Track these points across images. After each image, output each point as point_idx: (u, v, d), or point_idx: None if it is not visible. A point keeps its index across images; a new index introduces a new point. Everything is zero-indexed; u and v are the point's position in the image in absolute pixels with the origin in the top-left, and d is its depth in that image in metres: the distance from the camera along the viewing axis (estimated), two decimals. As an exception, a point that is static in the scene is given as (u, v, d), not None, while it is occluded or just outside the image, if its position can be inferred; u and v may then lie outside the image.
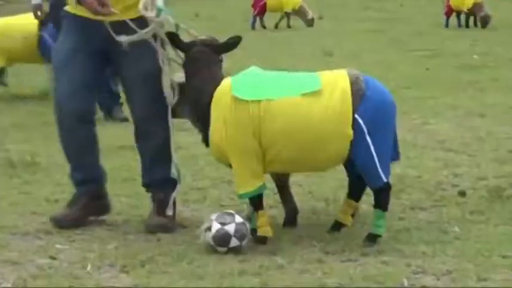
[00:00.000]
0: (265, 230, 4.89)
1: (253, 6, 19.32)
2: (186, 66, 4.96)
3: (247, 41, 16.59)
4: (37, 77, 11.06)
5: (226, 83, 4.87)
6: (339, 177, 5.78)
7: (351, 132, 4.72)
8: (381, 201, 4.92)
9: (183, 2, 22.29)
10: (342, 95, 4.74)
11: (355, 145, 4.75)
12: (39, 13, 9.02)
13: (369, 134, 4.74)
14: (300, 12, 19.20)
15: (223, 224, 4.70)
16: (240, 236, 4.66)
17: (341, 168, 5.24)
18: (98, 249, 4.84)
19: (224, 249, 4.68)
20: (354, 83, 4.76)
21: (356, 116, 4.72)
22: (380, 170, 4.78)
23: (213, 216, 4.79)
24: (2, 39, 9.80)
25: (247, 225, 4.72)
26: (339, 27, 19.01)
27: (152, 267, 4.54)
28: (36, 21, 9.56)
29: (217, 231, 4.67)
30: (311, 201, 5.74)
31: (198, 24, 18.57)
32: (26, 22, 9.83)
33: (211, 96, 4.79)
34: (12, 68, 10.91)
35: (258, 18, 19.46)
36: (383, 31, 18.23)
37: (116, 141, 7.35)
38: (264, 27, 19.56)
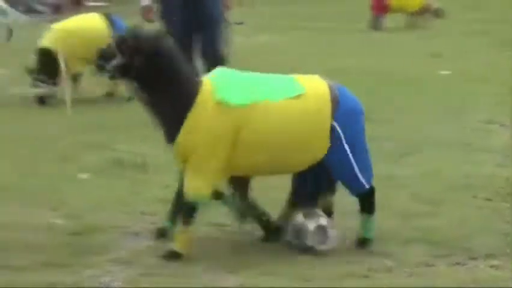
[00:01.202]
0: (183, 246, 4.69)
1: (374, 7, 18.85)
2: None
3: (364, 41, 16.75)
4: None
5: (207, 85, 4.74)
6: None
7: (328, 139, 4.71)
8: (367, 205, 4.91)
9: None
10: (322, 100, 4.74)
11: (332, 152, 4.74)
12: (150, 14, 8.94)
13: (345, 140, 4.74)
14: (424, 9, 18.80)
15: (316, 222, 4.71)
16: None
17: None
18: (208, 250, 4.89)
19: (325, 246, 4.69)
20: (331, 89, 4.76)
21: (333, 122, 4.72)
22: (360, 175, 4.79)
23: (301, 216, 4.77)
24: (79, 43, 9.45)
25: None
26: (447, 28, 18.75)
27: (260, 269, 4.56)
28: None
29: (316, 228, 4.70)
30: (416, 204, 5.63)
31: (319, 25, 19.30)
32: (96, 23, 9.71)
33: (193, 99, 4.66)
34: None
35: (378, 18, 18.98)
36: (491, 32, 17.87)
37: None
38: (382, 28, 18.92)
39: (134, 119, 8.80)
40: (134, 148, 7.37)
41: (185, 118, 4.58)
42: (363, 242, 4.86)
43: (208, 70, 6.11)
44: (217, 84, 4.71)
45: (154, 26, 9.74)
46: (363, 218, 4.91)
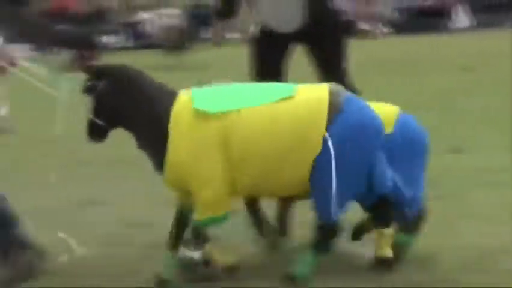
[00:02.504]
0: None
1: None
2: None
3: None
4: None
5: (184, 97, 4.53)
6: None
7: (320, 146, 4.27)
8: (317, 239, 4.46)
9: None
10: (317, 104, 4.33)
11: (316, 167, 4.31)
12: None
13: (336, 159, 4.29)
14: None
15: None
16: None
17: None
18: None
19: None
20: (332, 94, 4.32)
21: (326, 135, 4.29)
22: (331, 204, 4.34)
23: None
24: None
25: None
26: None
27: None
28: None
29: None
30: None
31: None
32: None
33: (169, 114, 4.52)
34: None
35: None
36: None
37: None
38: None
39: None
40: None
41: (166, 133, 4.36)
42: (288, 277, 4.41)
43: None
44: (194, 95, 4.48)
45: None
46: (309, 251, 4.48)
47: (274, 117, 4.37)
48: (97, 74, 4.72)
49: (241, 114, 4.39)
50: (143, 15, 20.40)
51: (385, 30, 22.76)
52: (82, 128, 5.25)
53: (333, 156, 4.22)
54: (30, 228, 5.04)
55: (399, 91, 11.23)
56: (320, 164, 4.28)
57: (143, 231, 5.55)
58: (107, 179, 7.22)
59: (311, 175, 4.33)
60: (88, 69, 4.72)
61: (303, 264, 4.45)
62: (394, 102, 5.31)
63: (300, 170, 4.39)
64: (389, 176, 4.49)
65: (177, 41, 17.23)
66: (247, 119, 4.41)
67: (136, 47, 20.55)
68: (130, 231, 5.62)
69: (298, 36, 6.32)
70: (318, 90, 4.42)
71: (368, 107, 4.45)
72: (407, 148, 4.54)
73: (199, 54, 17.10)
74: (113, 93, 4.45)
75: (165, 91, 4.58)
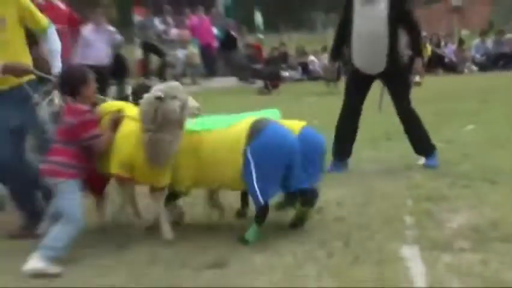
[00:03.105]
0: None
1: None
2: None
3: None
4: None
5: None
6: None
7: (240, 159, 5.04)
8: (256, 215, 5.18)
9: None
10: (243, 129, 5.11)
11: (243, 169, 5.05)
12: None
13: (254, 163, 5.01)
14: None
15: None
16: None
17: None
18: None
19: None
20: (255, 122, 5.15)
21: (246, 147, 5.03)
22: (257, 193, 5.04)
23: None
24: None
25: None
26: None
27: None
28: None
29: None
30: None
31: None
32: None
33: None
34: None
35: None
36: None
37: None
38: None
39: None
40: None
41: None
42: (241, 240, 5.15)
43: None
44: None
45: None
46: (252, 225, 5.21)
47: (222, 137, 5.19)
48: None
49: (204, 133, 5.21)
50: (311, 57, 23.26)
51: (474, 68, 24.20)
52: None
53: (251, 161, 4.99)
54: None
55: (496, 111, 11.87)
56: (245, 167, 5.04)
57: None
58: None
59: (242, 174, 5.08)
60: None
61: (251, 233, 5.19)
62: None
63: (234, 170, 5.12)
64: (303, 176, 5.19)
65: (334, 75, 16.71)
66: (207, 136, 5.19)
67: (306, 79, 22.75)
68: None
69: (378, 75, 7.41)
70: (248, 120, 5.18)
71: (283, 129, 5.13)
72: (307, 151, 5.20)
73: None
74: None
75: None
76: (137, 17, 23.26)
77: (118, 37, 12.81)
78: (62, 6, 8.22)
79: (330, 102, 11.82)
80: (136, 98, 5.51)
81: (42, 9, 7.09)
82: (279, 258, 4.76)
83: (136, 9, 23.58)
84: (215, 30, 24.70)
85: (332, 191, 6.42)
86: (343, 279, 4.30)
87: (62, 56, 5.80)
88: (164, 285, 4.34)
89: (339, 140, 7.55)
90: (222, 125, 5.22)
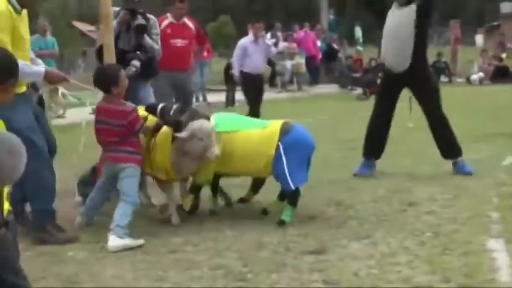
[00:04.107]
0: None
1: None
2: None
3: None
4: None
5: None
6: None
7: (273, 152, 5.27)
8: (290, 200, 5.41)
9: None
10: (275, 129, 5.40)
11: (275, 159, 5.27)
12: None
13: (285, 154, 5.25)
14: None
15: None
16: None
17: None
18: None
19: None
20: (284, 124, 5.41)
21: (279, 143, 5.27)
22: (288, 179, 5.26)
23: None
24: None
25: None
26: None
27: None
28: None
29: None
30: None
31: None
32: None
33: None
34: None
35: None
36: None
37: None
38: None
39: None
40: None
41: None
42: (281, 223, 5.31)
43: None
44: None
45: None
46: (286, 207, 5.41)
47: (258, 135, 5.41)
48: None
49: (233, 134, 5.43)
50: None
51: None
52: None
53: (283, 153, 5.26)
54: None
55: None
56: (276, 158, 5.28)
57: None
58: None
59: (274, 164, 5.30)
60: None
61: (288, 215, 5.36)
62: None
63: (266, 161, 5.34)
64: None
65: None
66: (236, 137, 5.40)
67: None
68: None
69: (405, 80, 7.03)
70: (278, 123, 5.45)
71: (305, 130, 5.43)
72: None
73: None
74: None
75: None
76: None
77: (273, 50, 12.97)
78: (191, 24, 8.37)
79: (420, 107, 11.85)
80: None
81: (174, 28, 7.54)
82: (374, 246, 4.73)
83: (250, 25, 23.97)
84: (319, 43, 24.72)
85: (424, 188, 6.40)
86: (433, 268, 4.21)
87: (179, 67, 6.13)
88: (271, 267, 4.33)
89: (370, 141, 7.40)
90: (250, 126, 5.44)
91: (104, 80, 5.10)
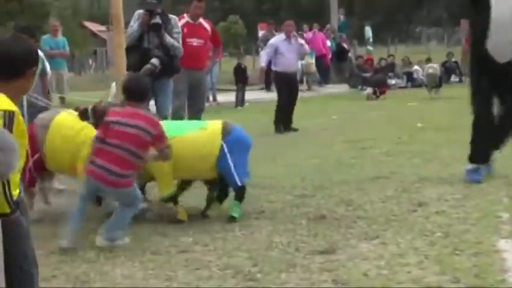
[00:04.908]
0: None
1: None
2: None
3: None
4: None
5: None
6: None
7: (217, 152, 5.46)
8: (237, 196, 5.59)
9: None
10: (214, 131, 5.59)
11: (219, 159, 5.47)
12: None
13: (229, 153, 5.45)
14: None
15: None
16: None
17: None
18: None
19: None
20: (224, 125, 5.63)
21: (223, 142, 5.48)
22: (235, 176, 5.48)
23: None
24: None
25: None
26: None
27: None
28: None
29: None
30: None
31: None
32: None
33: None
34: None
35: None
36: None
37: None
38: None
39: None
40: None
41: None
42: (231, 219, 5.50)
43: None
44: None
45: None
46: (234, 203, 5.60)
47: (197, 138, 5.54)
48: None
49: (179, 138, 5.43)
50: (415, 67, 22.88)
51: None
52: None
53: (227, 152, 5.46)
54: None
55: None
56: (221, 157, 5.46)
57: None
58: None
59: (219, 164, 5.48)
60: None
61: (236, 211, 5.56)
62: None
63: (213, 161, 5.48)
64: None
65: (436, 83, 18.05)
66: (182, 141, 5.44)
67: (410, 86, 22.21)
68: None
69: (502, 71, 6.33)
70: (217, 123, 5.65)
71: (243, 129, 5.68)
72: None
73: (449, 91, 17.63)
74: None
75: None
76: (261, 31, 24.34)
77: (307, 48, 12.94)
78: (207, 25, 8.48)
79: (429, 107, 12.41)
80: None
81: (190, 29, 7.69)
82: (384, 246, 4.71)
83: (261, 24, 24.09)
84: (329, 43, 24.72)
85: (434, 188, 6.38)
86: (442, 268, 4.18)
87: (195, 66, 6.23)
88: (280, 267, 4.33)
89: (477, 143, 6.75)
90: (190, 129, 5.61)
91: (140, 90, 5.15)
